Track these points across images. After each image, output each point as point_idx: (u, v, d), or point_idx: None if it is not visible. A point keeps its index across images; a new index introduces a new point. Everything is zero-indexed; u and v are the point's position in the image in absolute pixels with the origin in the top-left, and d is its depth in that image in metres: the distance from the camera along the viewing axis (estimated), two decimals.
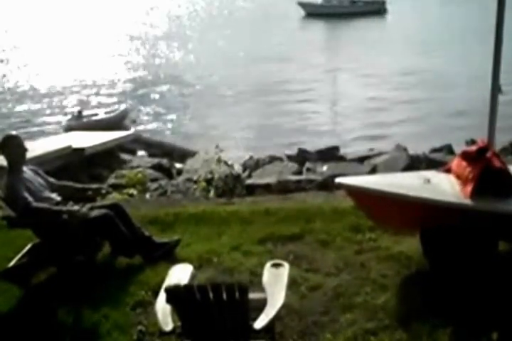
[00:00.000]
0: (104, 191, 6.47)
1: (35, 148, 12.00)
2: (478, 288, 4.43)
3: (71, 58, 36.21)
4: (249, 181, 9.60)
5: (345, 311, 4.38)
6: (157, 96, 27.42)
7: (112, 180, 10.74)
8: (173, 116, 23.84)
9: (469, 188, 4.52)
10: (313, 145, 13.77)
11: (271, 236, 5.76)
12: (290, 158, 12.20)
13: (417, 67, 27.83)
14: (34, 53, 38.74)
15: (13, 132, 5.59)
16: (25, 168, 5.27)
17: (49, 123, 23.47)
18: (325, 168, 10.39)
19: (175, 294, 3.34)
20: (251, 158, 12.56)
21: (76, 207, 5.21)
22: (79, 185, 5.98)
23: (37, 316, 4.72)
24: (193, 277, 3.93)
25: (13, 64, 36.29)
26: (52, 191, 5.45)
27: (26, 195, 4.96)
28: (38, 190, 5.18)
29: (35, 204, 4.96)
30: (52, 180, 5.55)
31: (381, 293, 4.56)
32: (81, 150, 13.03)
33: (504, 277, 4.56)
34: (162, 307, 3.48)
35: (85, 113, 22.26)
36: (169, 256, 5.36)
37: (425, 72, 26.72)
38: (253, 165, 11.51)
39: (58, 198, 5.39)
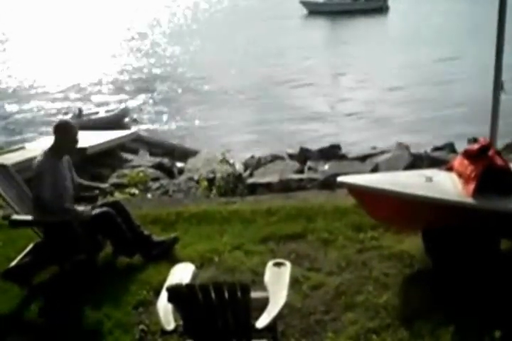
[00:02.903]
0: (108, 190, 6.48)
1: (36, 147, 12.02)
2: (480, 286, 4.42)
3: (72, 57, 36.21)
4: (250, 180, 9.58)
5: (347, 310, 4.38)
6: (158, 95, 27.40)
7: (113, 180, 10.73)
8: (174, 115, 23.83)
9: (471, 187, 4.51)
10: (314, 143, 13.74)
11: (272, 235, 5.76)
12: (291, 156, 12.17)
13: (419, 64, 27.78)
14: (34, 52, 38.74)
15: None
16: (64, 159, 5.33)
17: (49, 123, 23.47)
18: (326, 166, 10.35)
19: (176, 293, 3.33)
20: (252, 157, 12.54)
21: (81, 209, 5.21)
22: (86, 183, 5.98)
23: (39, 315, 4.72)
24: (194, 276, 3.92)
25: (14, 63, 36.29)
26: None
27: (47, 189, 4.94)
28: (62, 184, 5.17)
29: (47, 201, 4.96)
30: (75, 176, 5.55)
31: (383, 291, 4.56)
32: (82, 149, 13.02)
33: (506, 275, 4.56)
34: (164, 306, 3.48)
35: (85, 112, 22.26)
36: (168, 254, 5.38)
37: (427, 70, 26.68)
38: (254, 164, 11.48)
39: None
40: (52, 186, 5.00)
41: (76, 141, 5.26)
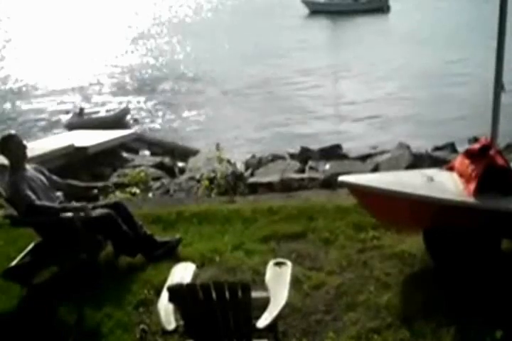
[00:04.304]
0: (111, 189, 6.49)
1: (37, 147, 12.03)
2: (481, 286, 4.42)
3: (73, 56, 36.23)
4: (251, 180, 9.59)
5: (348, 310, 4.38)
6: (159, 94, 27.39)
7: (114, 179, 10.75)
8: (174, 115, 23.82)
9: (472, 186, 4.51)
10: (315, 143, 13.74)
11: (274, 235, 5.76)
12: (292, 156, 12.17)
13: (420, 64, 27.74)
14: (35, 52, 38.76)
15: (12, 131, 5.57)
16: (28, 167, 5.27)
17: (51, 122, 23.50)
18: (327, 166, 10.35)
19: (177, 293, 3.33)
20: (253, 156, 12.54)
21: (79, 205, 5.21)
22: (83, 184, 5.97)
23: (39, 315, 4.73)
24: (195, 276, 3.93)
25: (15, 62, 36.32)
26: (57, 190, 5.46)
27: (30, 193, 4.96)
28: (41, 188, 5.17)
29: (38, 202, 4.96)
30: (56, 178, 5.55)
31: (384, 291, 4.56)
32: (83, 149, 13.05)
33: (507, 275, 4.55)
34: (164, 306, 3.48)
35: (87, 111, 22.30)
36: (171, 254, 5.37)
37: (428, 70, 26.64)
38: (256, 164, 11.49)
39: (61, 197, 5.41)
40: (33, 193, 5.01)
41: (19, 152, 5.18)
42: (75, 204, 5.26)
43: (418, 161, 10.27)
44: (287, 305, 3.55)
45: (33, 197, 4.96)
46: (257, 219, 6.24)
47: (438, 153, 11.42)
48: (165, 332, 3.53)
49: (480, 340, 3.85)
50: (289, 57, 32.39)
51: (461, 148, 9.15)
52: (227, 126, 20.39)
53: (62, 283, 5.07)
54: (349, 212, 6.05)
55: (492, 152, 4.70)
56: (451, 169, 5.04)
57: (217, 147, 9.92)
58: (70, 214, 5.03)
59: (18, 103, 26.94)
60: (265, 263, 4.08)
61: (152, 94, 27.35)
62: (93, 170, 12.22)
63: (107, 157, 13.37)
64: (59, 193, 5.50)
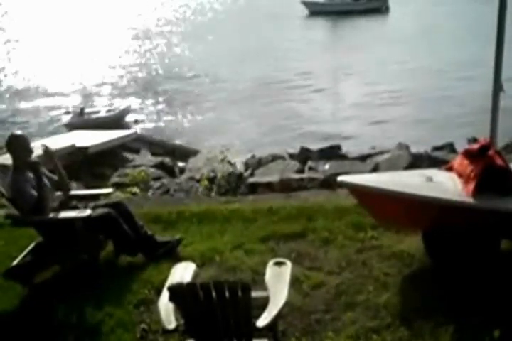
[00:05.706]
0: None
1: (38, 146, 12.03)
2: (480, 286, 4.44)
3: (74, 56, 36.22)
4: (251, 180, 9.61)
5: (347, 309, 4.39)
6: (159, 95, 27.38)
7: (115, 179, 10.76)
8: (175, 115, 23.83)
9: (471, 186, 4.53)
10: (315, 143, 13.75)
11: (273, 235, 5.77)
12: (292, 156, 12.18)
13: (419, 64, 27.74)
14: (36, 51, 38.75)
15: (19, 131, 5.59)
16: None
17: (51, 122, 23.51)
18: (327, 166, 10.36)
19: (177, 292, 3.35)
20: (253, 156, 12.55)
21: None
22: (85, 192, 6.00)
23: (40, 314, 4.74)
24: (195, 275, 3.94)
25: (16, 62, 36.31)
26: (57, 189, 5.48)
27: (34, 192, 4.99)
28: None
29: (42, 202, 5.00)
30: (52, 176, 5.55)
31: (383, 291, 4.58)
32: (84, 149, 13.05)
33: (506, 275, 4.57)
34: (165, 305, 3.50)
35: (87, 111, 22.31)
36: (171, 254, 5.39)
37: (427, 70, 26.64)
38: (255, 164, 11.50)
39: (61, 197, 5.43)
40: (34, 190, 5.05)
41: (25, 153, 5.18)
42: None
43: (417, 161, 10.28)
44: (287, 304, 3.57)
45: (36, 194, 4.99)
46: (257, 219, 6.25)
47: (437, 153, 11.42)
48: (165, 331, 3.55)
49: (478, 340, 3.87)
50: (288, 59, 32.36)
51: (460, 148, 9.14)
52: (228, 126, 20.40)
53: (63, 283, 5.09)
54: (348, 212, 6.06)
55: (491, 152, 4.71)
56: (450, 169, 5.06)
57: (222, 147, 9.94)
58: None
59: (18, 103, 26.95)
60: (265, 263, 4.09)
61: (152, 95, 27.35)
62: (94, 169, 12.22)
63: (108, 157, 13.36)
64: (59, 193, 5.52)
